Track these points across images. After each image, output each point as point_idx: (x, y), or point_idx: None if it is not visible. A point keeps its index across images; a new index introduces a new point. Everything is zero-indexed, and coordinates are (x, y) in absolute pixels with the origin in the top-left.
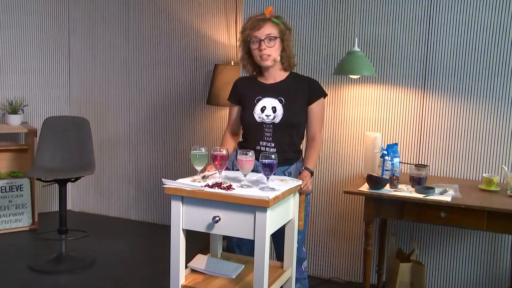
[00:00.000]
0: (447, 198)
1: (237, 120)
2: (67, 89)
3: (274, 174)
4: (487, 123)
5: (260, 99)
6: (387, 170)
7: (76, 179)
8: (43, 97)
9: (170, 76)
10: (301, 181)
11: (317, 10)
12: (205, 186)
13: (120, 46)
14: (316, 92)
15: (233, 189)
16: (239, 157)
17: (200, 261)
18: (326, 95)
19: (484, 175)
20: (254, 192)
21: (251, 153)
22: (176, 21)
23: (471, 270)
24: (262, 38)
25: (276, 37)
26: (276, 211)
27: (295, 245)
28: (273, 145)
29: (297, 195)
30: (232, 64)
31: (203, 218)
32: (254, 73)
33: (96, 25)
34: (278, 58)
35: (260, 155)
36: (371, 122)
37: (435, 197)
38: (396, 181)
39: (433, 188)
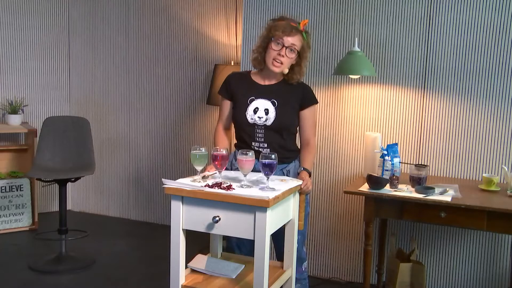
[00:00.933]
0: (447, 198)
1: (228, 115)
2: (67, 89)
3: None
4: (487, 123)
5: (253, 99)
6: (387, 170)
7: (76, 179)
8: (43, 97)
9: (170, 76)
10: (301, 181)
11: (317, 10)
12: (205, 186)
13: (120, 46)
14: (309, 98)
15: (233, 189)
16: (239, 157)
17: (200, 261)
18: (317, 102)
19: (484, 175)
20: (254, 192)
21: (251, 153)
22: (176, 21)
23: (471, 270)
24: (287, 45)
25: (297, 51)
26: (276, 211)
27: (295, 245)
28: (265, 145)
29: (297, 195)
30: (232, 64)
31: (203, 218)
32: (255, 69)
33: (96, 25)
34: (286, 71)
35: (260, 155)
36: (371, 122)
37: (435, 197)
38: (396, 181)
39: (433, 188)
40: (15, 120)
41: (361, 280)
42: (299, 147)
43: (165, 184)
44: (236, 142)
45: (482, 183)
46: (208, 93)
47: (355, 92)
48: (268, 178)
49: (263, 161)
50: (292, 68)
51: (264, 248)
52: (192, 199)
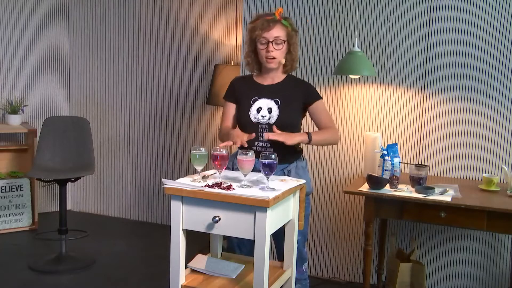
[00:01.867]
0: (447, 198)
1: (232, 117)
2: (67, 89)
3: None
4: (487, 123)
5: (256, 99)
6: (387, 170)
7: (76, 179)
8: (43, 97)
9: (170, 76)
10: (302, 181)
11: (317, 10)
12: (205, 186)
13: (120, 46)
14: (312, 95)
15: (233, 189)
16: (239, 157)
17: (200, 261)
18: (322, 98)
19: (484, 175)
20: (254, 192)
21: (251, 153)
22: (176, 21)
23: (471, 270)
24: (271, 40)
25: (284, 41)
26: (276, 211)
27: (295, 245)
28: (269, 145)
29: (297, 195)
30: (232, 64)
31: (203, 218)
32: (254, 72)
33: (96, 25)
34: (283, 61)
35: (260, 155)
36: (371, 122)
37: (435, 197)
38: (396, 181)
39: (433, 188)
40: (15, 120)
41: (361, 280)
42: (302, 147)
43: (165, 184)
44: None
45: (482, 183)
46: (208, 93)
47: (355, 92)
48: (268, 178)
49: (263, 161)
50: (288, 59)
51: (264, 248)
52: (192, 199)
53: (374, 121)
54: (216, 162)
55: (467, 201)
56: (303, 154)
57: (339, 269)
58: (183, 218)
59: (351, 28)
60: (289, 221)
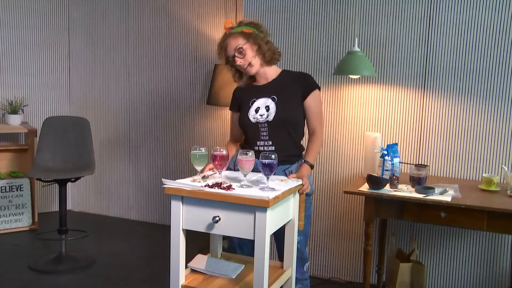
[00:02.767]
0: (447, 198)
1: (237, 126)
2: (67, 89)
3: (274, 174)
4: (487, 123)
5: (254, 100)
6: (387, 170)
7: (76, 179)
8: (43, 97)
9: (170, 76)
10: (302, 180)
11: (317, 10)
12: (205, 186)
13: (120, 46)
14: (308, 86)
15: (233, 189)
16: (239, 157)
17: (200, 261)
18: (319, 87)
19: (484, 175)
20: (254, 192)
21: (251, 153)
22: (176, 21)
23: (471, 270)
24: (233, 54)
25: (242, 46)
26: (276, 211)
27: (295, 245)
28: (270, 143)
29: (297, 195)
30: None
31: (203, 218)
32: (249, 81)
33: (96, 25)
34: (255, 60)
35: (260, 155)
36: (371, 122)
37: (435, 197)
38: (396, 181)
39: (433, 188)
40: (15, 120)
41: (361, 280)
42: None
43: (165, 184)
44: (242, 143)
45: (482, 183)
46: (208, 93)
47: (355, 92)
48: (268, 178)
49: (263, 161)
50: (262, 54)
51: (264, 248)
52: (192, 199)
53: (374, 121)
54: (216, 162)
55: (467, 201)
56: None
57: (339, 269)
58: (183, 218)
59: (351, 28)
60: (289, 221)
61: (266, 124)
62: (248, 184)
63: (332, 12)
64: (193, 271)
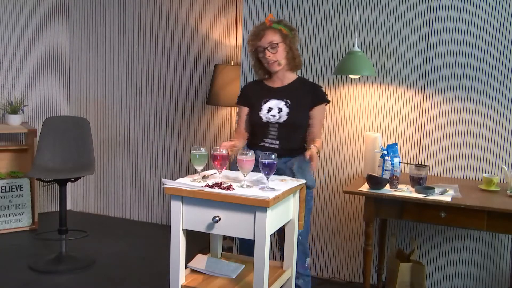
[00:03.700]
0: (447, 198)
1: (246, 120)
2: (67, 89)
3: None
4: (487, 123)
5: (267, 100)
6: (387, 170)
7: (76, 179)
8: (43, 97)
9: (170, 76)
10: (303, 181)
11: (317, 10)
12: (205, 186)
13: (120, 46)
14: (319, 97)
15: (233, 189)
16: (239, 157)
17: (200, 261)
18: (329, 101)
19: (484, 175)
20: (254, 192)
21: (251, 153)
22: (176, 21)
23: (471, 270)
24: (266, 47)
25: (277, 43)
26: (276, 211)
27: (295, 245)
28: (277, 142)
29: (297, 195)
30: (232, 64)
31: (203, 218)
32: (266, 76)
33: (96, 25)
34: (284, 61)
35: (260, 155)
36: (371, 122)
37: (435, 197)
38: (396, 181)
39: (433, 188)
40: (15, 120)
41: (361, 280)
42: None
43: (165, 184)
44: (248, 138)
45: (482, 183)
46: (208, 93)
47: (355, 92)
48: (268, 178)
49: (263, 161)
50: (290, 58)
51: (264, 248)
52: (192, 199)
53: (374, 121)
54: (216, 162)
55: (467, 201)
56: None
57: (339, 269)
58: (183, 218)
59: (351, 28)
60: (289, 221)
61: (276, 125)
62: (248, 184)
63: (332, 12)
64: (193, 271)
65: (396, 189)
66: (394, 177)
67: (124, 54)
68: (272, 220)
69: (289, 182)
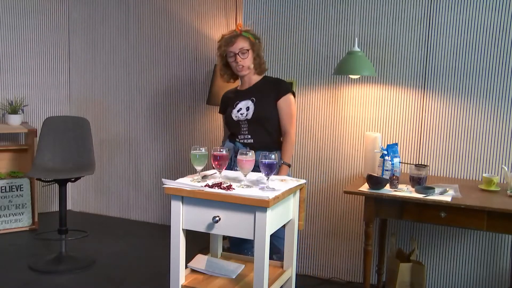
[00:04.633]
0: (447, 198)
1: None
2: (67, 89)
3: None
4: (487, 123)
5: (238, 103)
6: (387, 170)
7: (76, 179)
8: (43, 97)
9: (170, 76)
10: (303, 181)
11: (317, 10)
12: (205, 186)
13: (120, 46)
14: (282, 89)
15: (233, 189)
16: (239, 157)
17: (200, 261)
18: (293, 93)
19: (484, 175)
20: (254, 192)
21: (251, 153)
22: (176, 21)
23: (471, 270)
24: (237, 52)
25: (248, 50)
26: (276, 211)
27: (295, 245)
28: (249, 137)
29: (297, 195)
30: None
31: (203, 218)
32: (231, 80)
33: (96, 25)
34: (252, 66)
35: (261, 155)
36: (371, 122)
37: (435, 197)
38: (396, 181)
39: (433, 188)
40: (15, 120)
41: (361, 280)
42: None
43: (165, 184)
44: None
45: (482, 183)
46: (208, 93)
47: (355, 92)
48: (268, 178)
49: (263, 161)
50: (256, 63)
51: (264, 248)
52: (192, 199)
53: (374, 121)
54: (216, 162)
55: (467, 201)
56: (305, 155)
57: (339, 269)
58: (183, 218)
59: (351, 28)
60: (289, 221)
61: (246, 122)
62: (248, 184)
63: (332, 12)
64: (193, 271)
65: (396, 189)
66: (394, 177)
67: (124, 54)
68: (272, 220)
69: (289, 182)
